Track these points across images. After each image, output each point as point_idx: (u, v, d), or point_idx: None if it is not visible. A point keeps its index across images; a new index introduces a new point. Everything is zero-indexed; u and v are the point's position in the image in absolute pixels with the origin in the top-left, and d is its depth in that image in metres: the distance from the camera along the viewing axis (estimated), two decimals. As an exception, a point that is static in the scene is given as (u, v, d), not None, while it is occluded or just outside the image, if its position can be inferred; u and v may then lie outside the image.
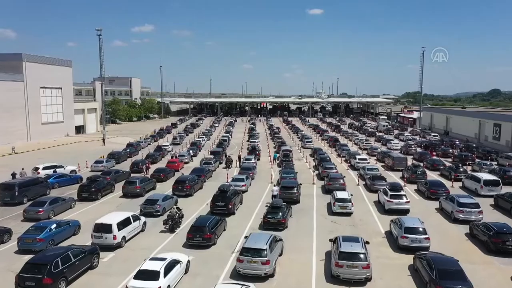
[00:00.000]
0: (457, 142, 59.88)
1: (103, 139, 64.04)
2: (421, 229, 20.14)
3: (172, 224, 23.12)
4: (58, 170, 37.25)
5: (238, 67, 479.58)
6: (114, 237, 20.42)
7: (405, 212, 26.21)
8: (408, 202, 26.52)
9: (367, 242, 18.79)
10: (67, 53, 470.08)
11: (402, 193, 27.14)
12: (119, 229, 20.71)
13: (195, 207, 28.31)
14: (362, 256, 16.79)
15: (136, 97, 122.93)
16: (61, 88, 72.34)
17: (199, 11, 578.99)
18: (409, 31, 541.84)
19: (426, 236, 19.89)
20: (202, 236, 20.36)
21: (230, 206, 25.86)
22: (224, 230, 22.99)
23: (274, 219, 23.11)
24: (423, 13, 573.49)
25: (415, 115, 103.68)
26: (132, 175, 37.59)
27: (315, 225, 24.49)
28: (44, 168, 37.05)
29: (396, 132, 79.68)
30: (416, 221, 20.99)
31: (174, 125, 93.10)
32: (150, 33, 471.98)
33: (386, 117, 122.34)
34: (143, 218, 23.84)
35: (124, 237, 21.17)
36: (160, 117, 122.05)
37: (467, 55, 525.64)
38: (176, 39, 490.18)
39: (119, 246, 20.68)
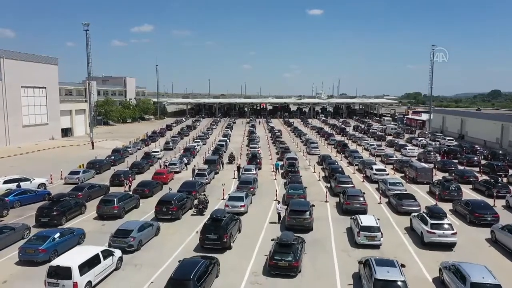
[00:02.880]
0: (479, 148, 53.96)
1: (92, 143, 58.32)
2: (493, 285, 14.34)
3: (202, 208, 26.30)
4: (22, 184, 31.26)
5: (238, 67, 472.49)
6: (75, 285, 15.35)
7: (451, 246, 20.44)
8: (455, 233, 20.55)
9: (403, 265, 16.09)
10: (66, 53, 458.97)
11: (446, 221, 21.16)
12: (82, 273, 15.76)
13: (182, 236, 22.50)
14: (401, 284, 14.57)
15: (131, 97, 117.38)
16: (45, 88, 66.45)
17: (199, 11, 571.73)
18: (409, 31, 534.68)
19: (502, 296, 14.11)
20: (184, 294, 14.50)
21: (225, 239, 19.95)
22: (217, 276, 17.15)
23: (283, 262, 17.22)
24: (423, 13, 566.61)
25: (424, 116, 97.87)
26: (112, 189, 31.86)
27: (337, 267, 18.58)
28: (6, 182, 31.12)
29: (407, 136, 73.69)
30: (484, 271, 15.07)
31: (169, 127, 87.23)
32: (150, 33, 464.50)
33: (390, 118, 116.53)
34: (118, 252, 18.52)
35: (89, 282, 16.10)
36: (156, 118, 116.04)
37: (467, 55, 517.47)
38: (176, 39, 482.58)
39: None
